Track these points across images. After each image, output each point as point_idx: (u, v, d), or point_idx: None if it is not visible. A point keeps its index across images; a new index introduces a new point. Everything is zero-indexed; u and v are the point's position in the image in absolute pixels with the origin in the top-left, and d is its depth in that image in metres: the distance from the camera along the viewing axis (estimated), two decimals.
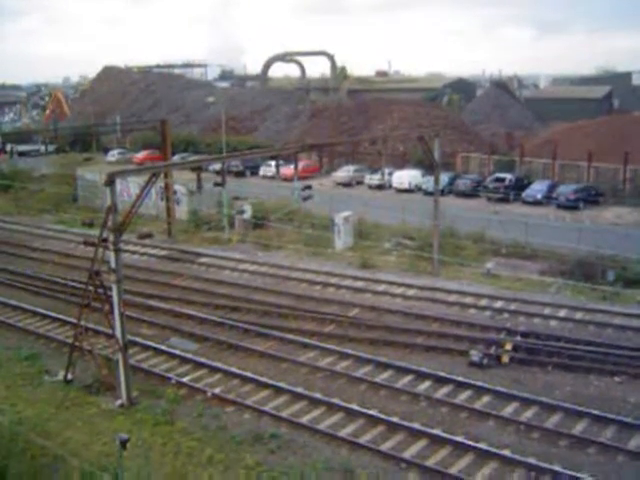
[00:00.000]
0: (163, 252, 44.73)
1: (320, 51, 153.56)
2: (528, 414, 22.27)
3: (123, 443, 15.32)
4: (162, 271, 39.91)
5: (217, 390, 24.22)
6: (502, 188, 58.78)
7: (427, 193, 57.06)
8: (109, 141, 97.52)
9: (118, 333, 23.19)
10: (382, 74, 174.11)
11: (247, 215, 48.27)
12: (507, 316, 31.22)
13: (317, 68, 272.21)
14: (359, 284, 36.36)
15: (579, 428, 21.34)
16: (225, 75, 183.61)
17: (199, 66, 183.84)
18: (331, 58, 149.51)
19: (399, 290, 35.17)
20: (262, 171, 74.09)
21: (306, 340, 28.64)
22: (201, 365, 26.42)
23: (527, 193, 57.70)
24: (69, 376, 25.12)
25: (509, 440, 20.80)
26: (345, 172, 69.89)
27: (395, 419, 21.87)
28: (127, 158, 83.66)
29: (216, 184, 49.55)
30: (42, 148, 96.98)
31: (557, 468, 18.87)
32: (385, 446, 20.53)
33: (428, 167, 55.18)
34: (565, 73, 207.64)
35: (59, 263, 41.79)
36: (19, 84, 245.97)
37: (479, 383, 24.19)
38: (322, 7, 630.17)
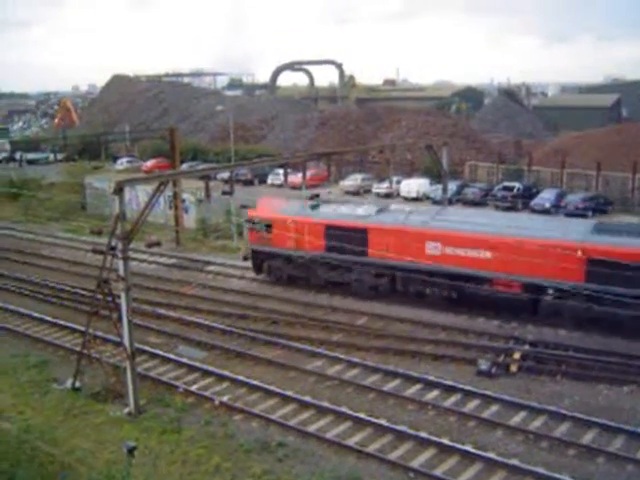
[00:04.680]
0: (171, 260, 44.80)
1: (328, 60, 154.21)
2: (537, 423, 22.20)
3: (130, 451, 15.35)
4: (170, 279, 39.97)
5: (225, 398, 24.20)
6: (510, 197, 58.66)
7: (435, 202, 56.94)
8: (118, 149, 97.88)
9: (126, 341, 23.21)
10: (390, 82, 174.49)
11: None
12: (515, 325, 31.11)
13: (325, 77, 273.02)
14: None
15: (588, 437, 21.26)
16: (234, 84, 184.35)
17: (208, 74, 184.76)
18: (339, 67, 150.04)
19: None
20: (270, 179, 74.15)
21: (314, 348, 28.63)
22: (209, 373, 26.42)
23: (535, 202, 57.54)
24: (77, 384, 25.16)
25: (517, 449, 20.72)
26: (353, 181, 69.84)
27: (403, 428, 21.82)
28: (136, 166, 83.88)
29: (224, 192, 49.65)
30: (51, 156, 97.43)
31: (566, 478, 18.80)
32: (393, 455, 20.47)
33: (436, 176, 55.22)
34: (574, 81, 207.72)
35: (68, 271, 41.91)
36: (28, 93, 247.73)
37: (487, 392, 24.10)
38: (332, 17, 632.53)
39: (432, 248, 32.71)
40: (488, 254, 31.50)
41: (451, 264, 32.27)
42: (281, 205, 38.76)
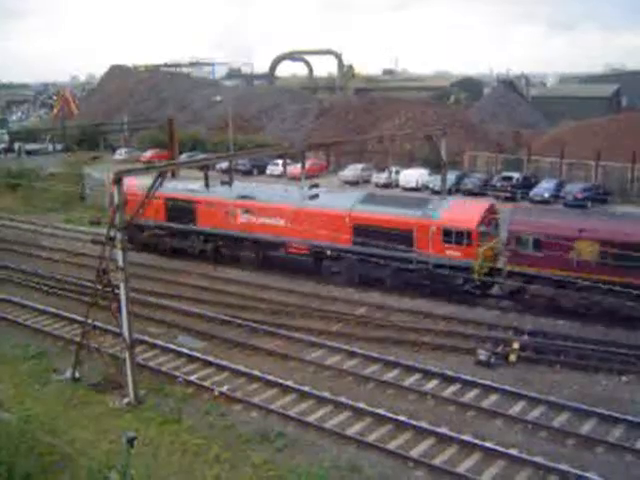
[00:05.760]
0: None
1: (327, 50, 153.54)
2: (536, 413, 22.24)
3: (130, 441, 15.31)
4: (169, 269, 39.96)
5: (224, 388, 24.26)
6: (509, 187, 58.46)
7: (434, 192, 56.73)
8: (116, 140, 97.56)
9: (125, 331, 23.23)
10: (389, 72, 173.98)
11: None
12: (514, 315, 31.14)
13: (324, 67, 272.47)
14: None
15: (587, 427, 21.31)
16: (232, 74, 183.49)
17: (206, 64, 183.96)
18: (338, 57, 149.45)
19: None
20: (269, 170, 73.85)
21: (313, 339, 28.66)
22: (208, 363, 26.47)
23: (534, 192, 57.30)
24: (76, 374, 25.19)
25: (517, 439, 20.78)
26: (352, 171, 69.57)
27: (402, 418, 21.86)
28: (134, 157, 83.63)
29: (223, 183, 49.59)
30: (50, 147, 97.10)
31: (565, 468, 18.84)
32: (392, 445, 20.54)
33: (435, 166, 54.95)
34: (574, 71, 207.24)
35: (67, 262, 41.90)
36: (27, 83, 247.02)
37: (486, 382, 24.16)
38: (331, 5, 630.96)
39: (243, 217, 38.57)
40: (282, 222, 37.14)
41: (257, 231, 38.20)
42: (136, 181, 42.59)
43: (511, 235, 31.65)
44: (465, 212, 33.71)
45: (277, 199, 37.89)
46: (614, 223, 31.34)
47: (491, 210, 34.45)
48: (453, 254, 32.45)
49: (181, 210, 40.29)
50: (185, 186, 41.92)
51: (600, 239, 29.33)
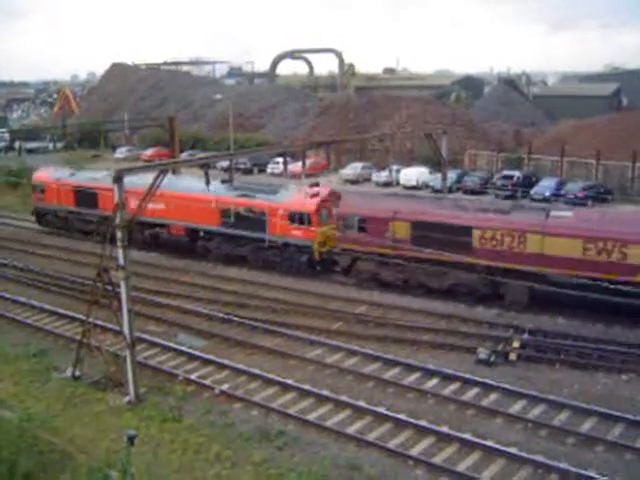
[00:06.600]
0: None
1: (328, 48, 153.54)
2: (536, 412, 22.25)
3: (131, 439, 15.32)
4: (170, 268, 39.98)
5: (225, 387, 24.27)
6: (510, 185, 58.52)
7: (435, 190, 56.91)
8: (117, 138, 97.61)
9: (126, 330, 23.24)
10: (390, 71, 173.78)
11: None
12: (514, 313, 31.14)
13: (325, 65, 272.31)
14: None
15: (587, 426, 21.32)
16: (233, 72, 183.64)
17: (207, 63, 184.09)
18: (339, 55, 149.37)
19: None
20: (270, 168, 73.93)
21: (313, 337, 28.67)
22: (209, 362, 26.47)
23: (535, 191, 57.37)
24: (77, 373, 25.19)
25: (517, 438, 20.78)
26: (353, 169, 69.67)
27: (402, 416, 21.87)
28: (135, 155, 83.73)
29: (224, 181, 49.63)
30: (50, 145, 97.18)
31: (565, 466, 18.84)
32: (392, 443, 20.54)
33: (436, 164, 55.03)
34: (574, 70, 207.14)
35: (67, 260, 41.93)
36: (28, 81, 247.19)
37: (486, 380, 24.16)
38: (333, 4, 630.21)
39: (133, 203, 39.03)
40: (163, 206, 41.05)
41: (144, 215, 38.67)
42: (50, 171, 50.79)
43: (339, 217, 35.84)
44: (307, 197, 37.75)
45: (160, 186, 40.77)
46: (424, 206, 34.73)
47: (333, 195, 38.78)
48: (297, 234, 37.21)
49: (86, 197, 45.58)
50: (91, 176, 47.79)
51: (410, 220, 33.10)
